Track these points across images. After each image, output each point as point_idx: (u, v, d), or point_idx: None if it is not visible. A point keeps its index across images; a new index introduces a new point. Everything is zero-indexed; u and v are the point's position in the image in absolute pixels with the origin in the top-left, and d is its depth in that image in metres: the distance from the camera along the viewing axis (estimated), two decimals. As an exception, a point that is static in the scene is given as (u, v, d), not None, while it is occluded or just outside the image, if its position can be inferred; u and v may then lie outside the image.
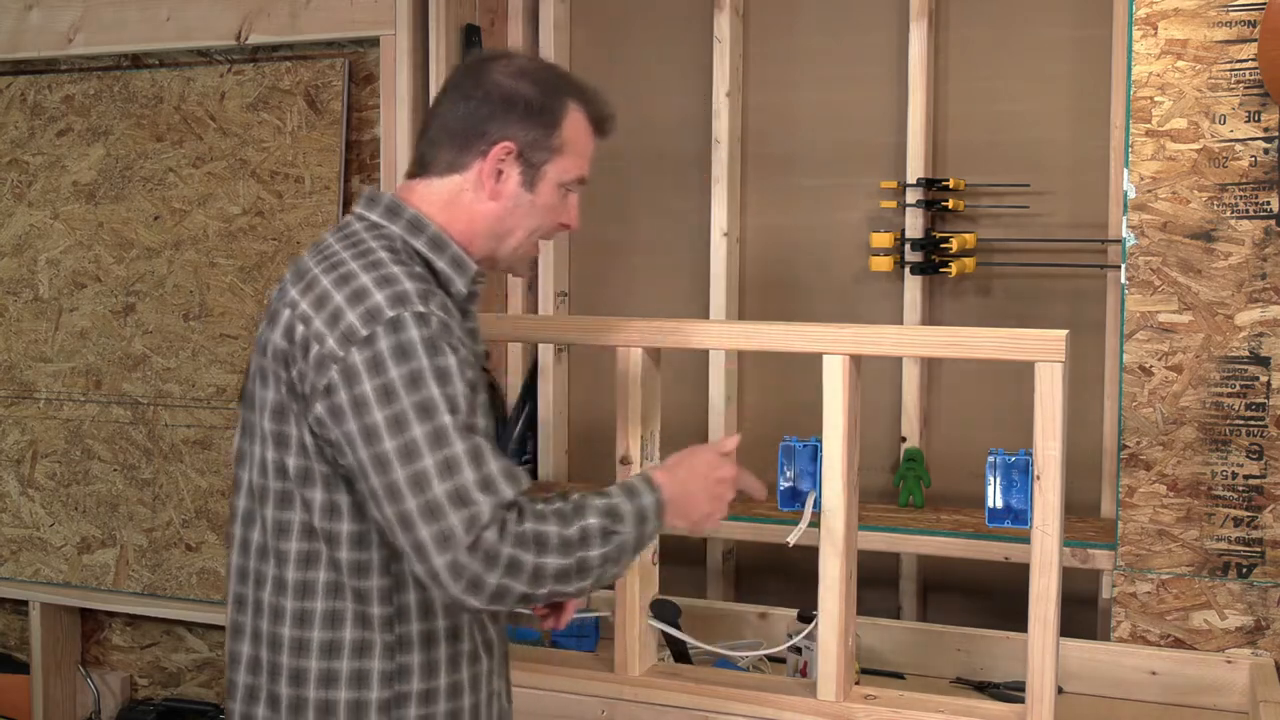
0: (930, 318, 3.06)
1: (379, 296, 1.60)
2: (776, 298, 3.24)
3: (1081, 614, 2.82)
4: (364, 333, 1.58)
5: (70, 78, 3.55)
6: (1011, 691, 2.42)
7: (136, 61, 3.52)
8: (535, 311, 3.39)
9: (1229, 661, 2.44)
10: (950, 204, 2.97)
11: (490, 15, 3.28)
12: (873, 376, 2.93)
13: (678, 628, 2.42)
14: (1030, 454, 2.07)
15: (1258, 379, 2.48)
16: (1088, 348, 2.87)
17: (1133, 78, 2.54)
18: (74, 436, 3.53)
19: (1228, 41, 2.48)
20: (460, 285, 1.74)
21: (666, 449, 2.39)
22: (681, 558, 2.96)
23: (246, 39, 3.30)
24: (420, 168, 1.78)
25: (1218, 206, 2.49)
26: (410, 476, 1.54)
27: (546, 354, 3.40)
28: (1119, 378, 2.59)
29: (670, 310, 3.27)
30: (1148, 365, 2.54)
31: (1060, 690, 2.30)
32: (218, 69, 3.40)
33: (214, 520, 3.39)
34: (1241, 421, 2.50)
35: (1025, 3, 2.99)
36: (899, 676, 2.58)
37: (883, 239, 3.00)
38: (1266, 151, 2.47)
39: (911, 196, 3.01)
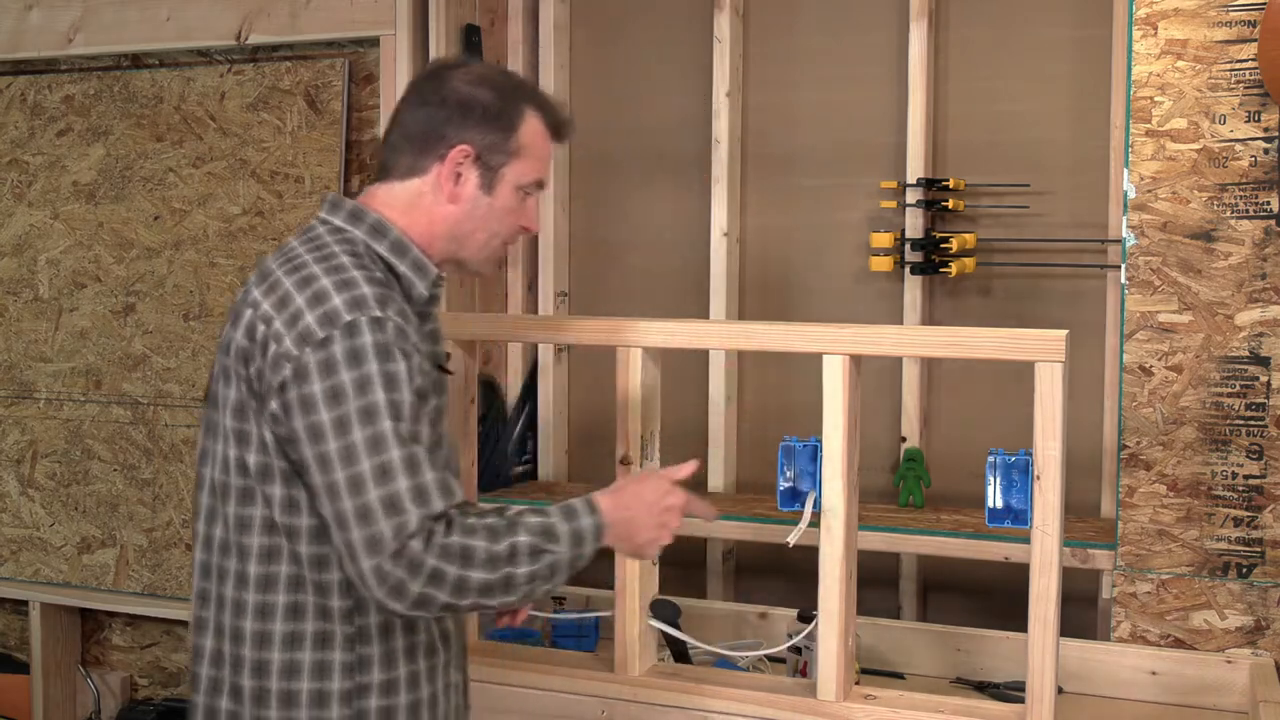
0: (930, 318, 3.06)
1: (338, 300, 1.65)
2: (776, 298, 3.24)
3: (1081, 614, 2.82)
4: (320, 335, 1.63)
5: (70, 78, 3.55)
6: (1011, 691, 2.42)
7: (136, 61, 3.52)
8: (535, 311, 3.39)
9: (1229, 661, 2.44)
10: (950, 204, 2.97)
11: (490, 15, 3.28)
12: (873, 376, 2.93)
13: (678, 628, 2.42)
14: (1030, 454, 2.07)
15: (1258, 379, 2.48)
16: (1088, 348, 2.87)
17: (1133, 78, 2.54)
18: (74, 436, 3.53)
19: (1228, 41, 2.48)
20: (421, 288, 1.79)
21: (666, 449, 2.40)
22: (681, 558, 2.95)
23: (246, 39, 3.30)
24: (382, 173, 1.83)
25: (1218, 206, 2.49)
26: (348, 478, 1.59)
27: (546, 354, 3.40)
28: (1119, 378, 2.59)
29: (670, 310, 3.27)
30: (1148, 365, 2.54)
31: (1060, 690, 2.30)
32: (218, 69, 3.40)
33: (214, 520, 3.38)
34: (1241, 421, 2.49)
35: (1025, 3, 2.99)
36: (899, 676, 2.58)
37: (883, 239, 3.00)
38: (1266, 151, 2.47)
39: (911, 196, 3.01)
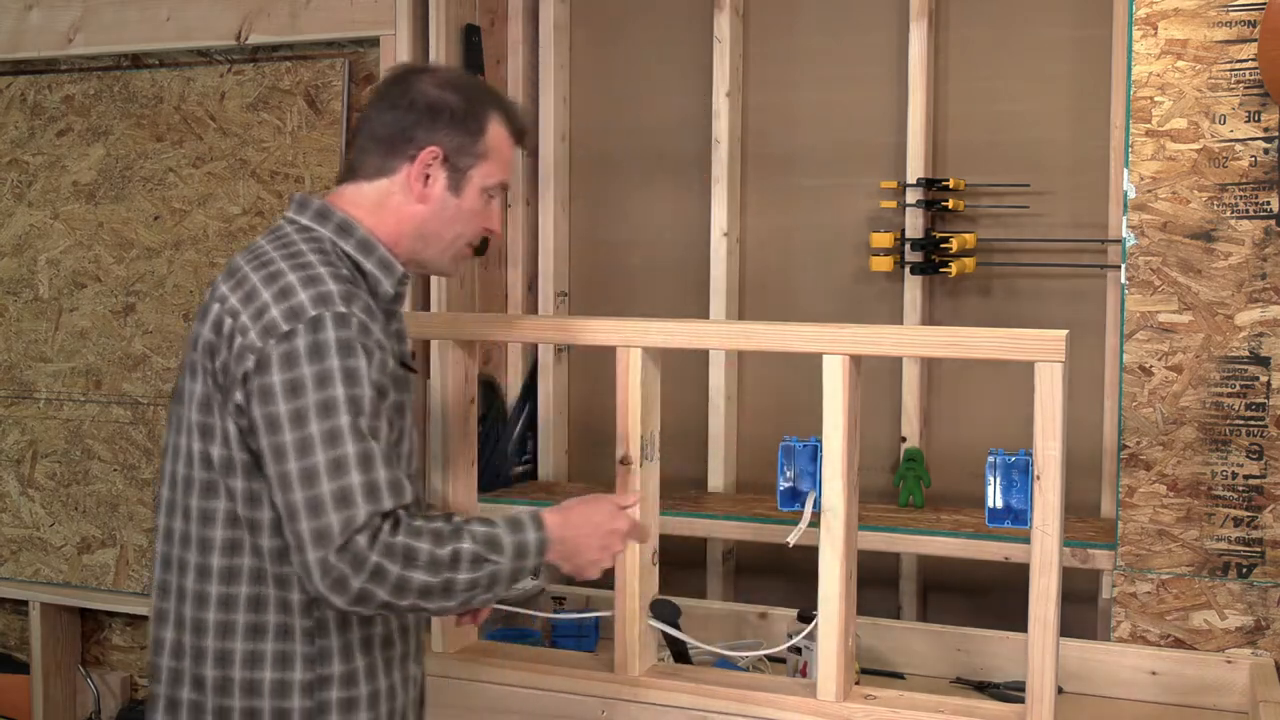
0: (930, 318, 3.06)
1: (303, 295, 1.68)
2: (776, 298, 3.24)
3: (1081, 614, 2.82)
4: (285, 328, 1.66)
5: (70, 78, 3.55)
6: (1011, 691, 2.42)
7: (136, 61, 3.52)
8: (535, 311, 3.39)
9: (1229, 661, 2.44)
10: (950, 204, 2.97)
11: (490, 15, 3.28)
12: (873, 376, 2.92)
13: (678, 628, 2.42)
14: (1030, 454, 2.07)
15: (1258, 379, 2.48)
16: (1088, 348, 2.87)
17: (1133, 78, 2.54)
18: (74, 436, 3.54)
19: (1228, 41, 2.48)
20: (387, 286, 1.83)
21: (666, 449, 2.40)
22: (681, 558, 2.96)
23: (246, 39, 3.30)
24: (349, 173, 1.87)
25: (1218, 206, 2.49)
26: (301, 470, 1.62)
27: (546, 354, 3.40)
28: (1119, 378, 2.59)
29: (670, 310, 3.27)
30: (1148, 365, 2.54)
31: (1060, 690, 2.30)
32: (218, 69, 3.40)
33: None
34: (1241, 421, 2.49)
35: (1025, 3, 2.99)
36: (899, 676, 2.58)
37: (883, 239, 3.00)
38: (1266, 151, 2.47)
39: (911, 196, 3.01)
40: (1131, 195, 2.54)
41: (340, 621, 1.75)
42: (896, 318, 3.06)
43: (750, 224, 3.26)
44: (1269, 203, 2.46)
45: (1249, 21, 2.46)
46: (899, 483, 3.03)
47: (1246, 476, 2.49)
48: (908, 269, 3.02)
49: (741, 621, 2.73)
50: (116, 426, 3.49)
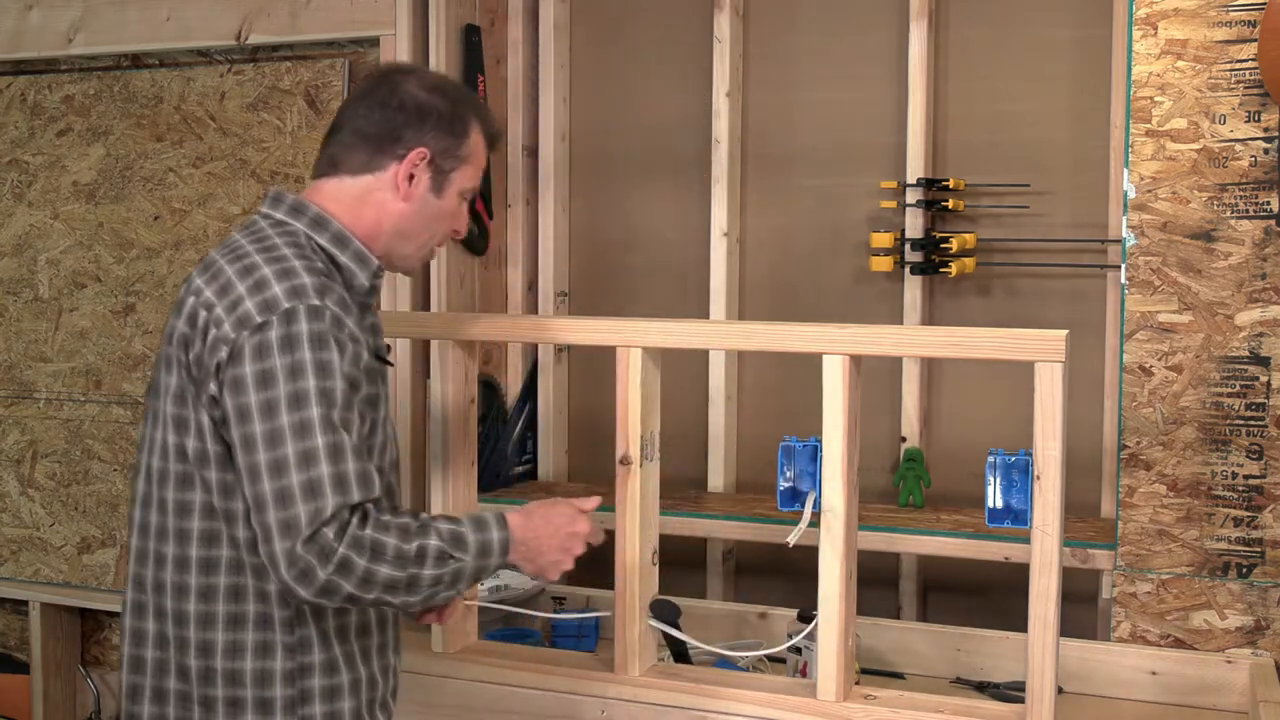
0: (930, 318, 3.06)
1: (278, 288, 1.70)
2: (776, 298, 3.24)
3: (1081, 614, 2.82)
4: (258, 320, 1.68)
5: (70, 78, 3.55)
6: (1011, 691, 2.42)
7: (136, 61, 3.52)
8: (535, 311, 3.39)
9: (1229, 661, 2.44)
10: (950, 204, 2.97)
11: (490, 15, 3.28)
12: (873, 376, 2.92)
13: (678, 628, 2.42)
14: (1030, 454, 2.07)
15: (1258, 379, 2.48)
16: (1088, 348, 2.87)
17: (1133, 78, 2.54)
18: (74, 436, 3.53)
19: (1228, 41, 2.48)
20: (363, 279, 1.85)
21: (666, 449, 2.40)
22: (681, 558, 2.96)
23: (246, 39, 3.30)
24: (329, 167, 1.88)
25: (1218, 206, 2.49)
26: (270, 461, 1.64)
27: (546, 354, 3.40)
28: (1119, 378, 2.59)
29: (670, 310, 3.27)
30: (1148, 365, 2.54)
31: (1060, 690, 2.30)
32: (218, 69, 3.40)
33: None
34: (1241, 421, 2.49)
35: (1025, 3, 2.99)
36: (899, 676, 2.58)
37: (883, 239, 3.00)
38: (1266, 151, 2.47)
39: (911, 196, 3.01)
40: (1131, 195, 2.54)
41: (316, 611, 1.77)
42: (896, 318, 3.06)
43: (750, 224, 3.26)
44: (1269, 203, 2.46)
45: (1249, 21, 2.46)
46: (899, 483, 3.03)
47: (1246, 476, 2.49)
48: (908, 269, 3.02)
49: (741, 621, 2.73)
50: (116, 426, 3.49)
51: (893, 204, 3.04)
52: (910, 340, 2.41)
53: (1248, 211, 2.48)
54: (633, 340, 2.27)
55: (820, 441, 2.21)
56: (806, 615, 2.44)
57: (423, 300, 3.14)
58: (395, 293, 3.09)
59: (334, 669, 1.79)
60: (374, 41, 3.22)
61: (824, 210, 3.17)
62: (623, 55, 3.37)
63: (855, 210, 3.13)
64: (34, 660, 3.56)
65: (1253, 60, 2.46)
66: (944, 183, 2.98)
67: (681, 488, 3.21)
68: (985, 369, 2.99)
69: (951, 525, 2.82)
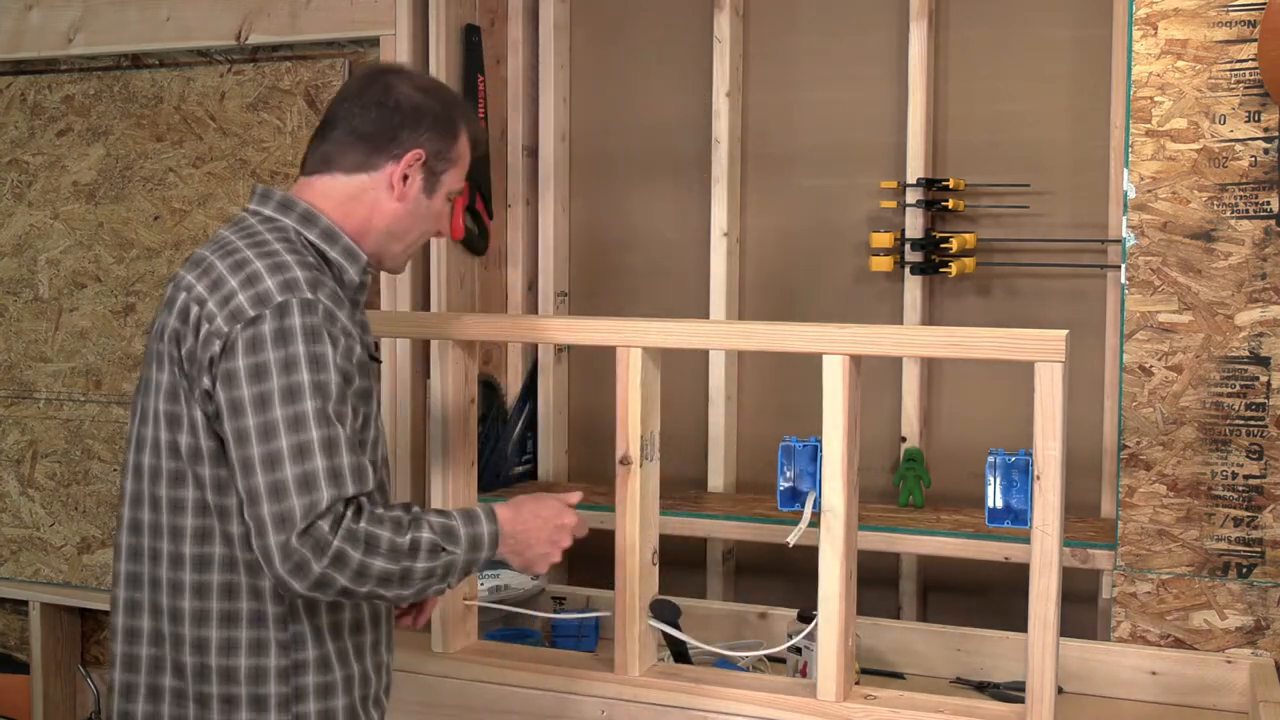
0: (930, 318, 3.06)
1: (270, 282, 1.70)
2: (776, 298, 3.24)
3: (1081, 614, 2.82)
4: (251, 314, 1.68)
5: (70, 78, 3.55)
6: (1011, 691, 2.42)
7: (136, 61, 3.51)
8: (535, 311, 3.39)
9: (1229, 661, 2.44)
10: (950, 204, 2.97)
11: (490, 15, 3.28)
12: (873, 376, 2.93)
13: (678, 628, 2.42)
14: (1030, 454, 2.07)
15: (1258, 379, 2.48)
16: (1088, 348, 2.87)
17: (1133, 78, 2.54)
18: (74, 436, 3.54)
19: (1228, 41, 2.48)
20: (353, 274, 1.86)
21: (666, 449, 2.40)
22: (681, 558, 2.96)
23: (246, 39, 3.30)
24: (324, 164, 1.88)
25: (1218, 206, 2.49)
26: (264, 454, 1.64)
27: (546, 354, 3.40)
28: (1119, 378, 2.59)
29: (670, 310, 3.27)
30: (1148, 365, 2.54)
31: (1060, 690, 2.30)
32: (218, 69, 3.40)
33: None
34: (1241, 421, 2.49)
35: (1025, 3, 2.99)
36: (899, 676, 2.58)
37: (883, 239, 3.00)
38: (1266, 151, 2.47)
39: (911, 196, 3.01)
40: (1131, 195, 2.54)
41: (308, 607, 1.77)
42: (896, 318, 3.06)
43: (750, 224, 3.26)
44: (1269, 203, 2.46)
45: (1249, 21, 2.46)
46: (899, 483, 3.03)
47: (1246, 476, 2.49)
48: (908, 269, 3.02)
49: (741, 621, 2.73)
50: (116, 426, 3.49)
51: (893, 204, 3.04)
52: (910, 340, 2.41)
53: (1248, 211, 2.48)
54: (633, 340, 2.27)
55: (820, 441, 2.21)
56: (806, 615, 2.44)
57: (423, 300, 3.14)
58: (395, 293, 3.09)
59: (327, 666, 1.79)
60: (374, 42, 3.22)
61: (824, 210, 3.17)
62: (623, 55, 3.37)
63: (855, 210, 3.13)
64: (34, 660, 3.56)
65: (1253, 60, 2.46)
66: (944, 183, 2.98)
67: (681, 488, 3.21)
68: (985, 369, 2.99)
69: (951, 525, 2.82)
